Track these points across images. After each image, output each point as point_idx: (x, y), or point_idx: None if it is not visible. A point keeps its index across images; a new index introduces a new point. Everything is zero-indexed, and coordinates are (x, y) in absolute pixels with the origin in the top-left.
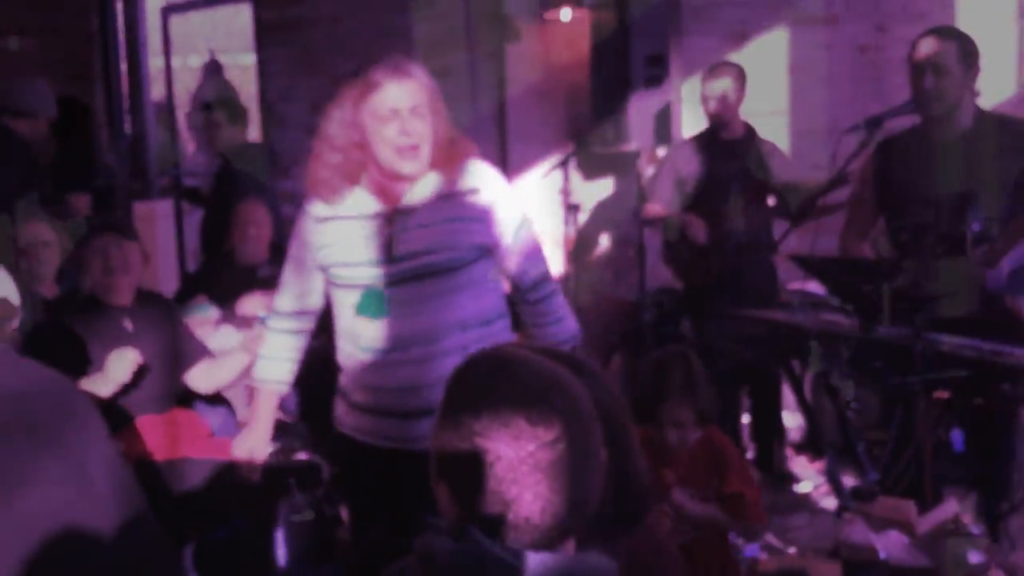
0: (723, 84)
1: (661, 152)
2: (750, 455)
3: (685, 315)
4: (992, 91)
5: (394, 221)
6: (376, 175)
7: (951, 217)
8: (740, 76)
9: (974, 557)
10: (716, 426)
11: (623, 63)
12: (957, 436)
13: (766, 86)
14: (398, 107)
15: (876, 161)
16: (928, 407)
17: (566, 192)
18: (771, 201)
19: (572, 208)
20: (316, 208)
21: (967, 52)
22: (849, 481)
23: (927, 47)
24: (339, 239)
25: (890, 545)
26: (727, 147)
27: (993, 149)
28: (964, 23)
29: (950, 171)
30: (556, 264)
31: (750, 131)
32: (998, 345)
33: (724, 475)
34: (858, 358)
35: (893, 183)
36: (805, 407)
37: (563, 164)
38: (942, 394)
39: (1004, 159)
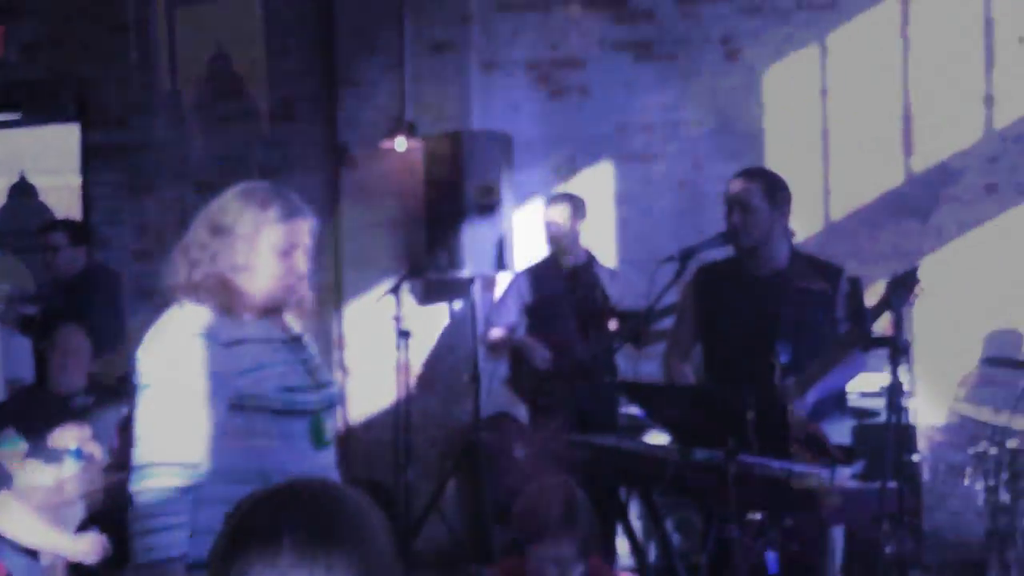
0: (561, 212)
1: (499, 278)
2: None
3: (521, 439)
4: (800, 227)
5: (295, 349)
6: (254, 301)
7: (760, 347)
8: (578, 205)
9: None
10: (598, 558)
11: (457, 193)
12: (771, 557)
13: (594, 217)
14: (300, 242)
15: (695, 286)
16: (742, 529)
17: (398, 319)
18: (612, 326)
19: (403, 334)
20: (215, 331)
21: (774, 191)
22: None
23: (735, 186)
24: (263, 363)
25: None
26: (568, 273)
27: (805, 287)
28: (772, 162)
29: (763, 303)
30: (390, 390)
31: (590, 257)
32: (805, 467)
33: None
34: (677, 482)
35: (708, 309)
36: (629, 532)
37: (395, 290)
38: (755, 515)
39: (813, 297)
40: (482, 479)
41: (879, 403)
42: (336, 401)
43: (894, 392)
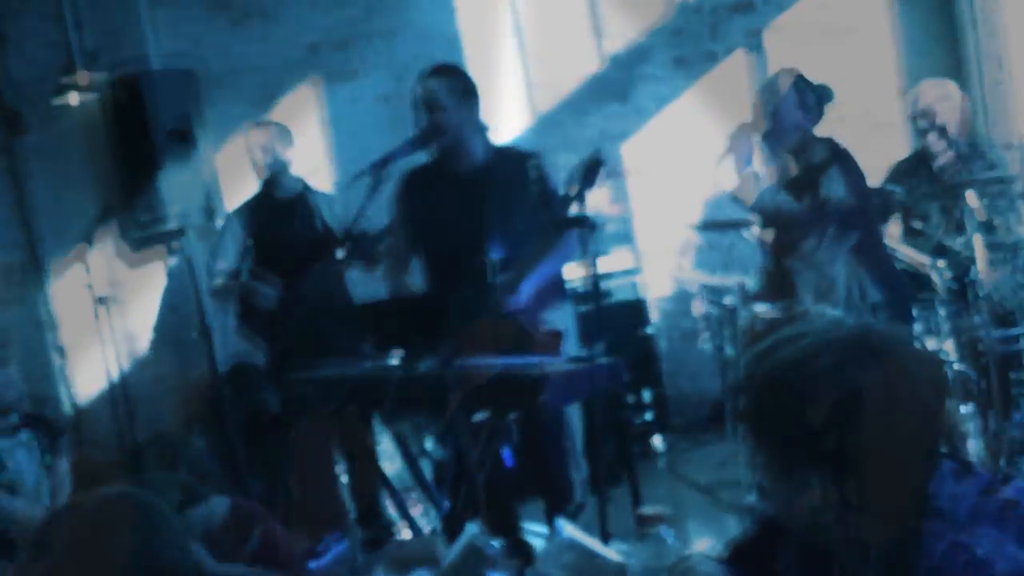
0: (262, 138)
1: (213, 224)
2: (353, 514)
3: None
4: (510, 123)
5: None
6: None
7: (470, 247)
8: (281, 131)
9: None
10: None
11: (146, 141)
12: (507, 453)
13: (302, 144)
14: None
15: (400, 196)
16: (472, 431)
17: (90, 286)
18: (339, 253)
19: (101, 301)
20: None
21: (462, 87)
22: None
23: (423, 86)
24: None
25: None
26: (285, 205)
27: (505, 180)
28: (472, 64)
29: (467, 202)
30: (105, 364)
31: (304, 186)
32: (519, 360)
33: None
34: (404, 396)
35: (416, 216)
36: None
37: (81, 257)
38: (481, 416)
39: (514, 189)
40: (230, 433)
41: (615, 283)
42: None
43: (592, 265)
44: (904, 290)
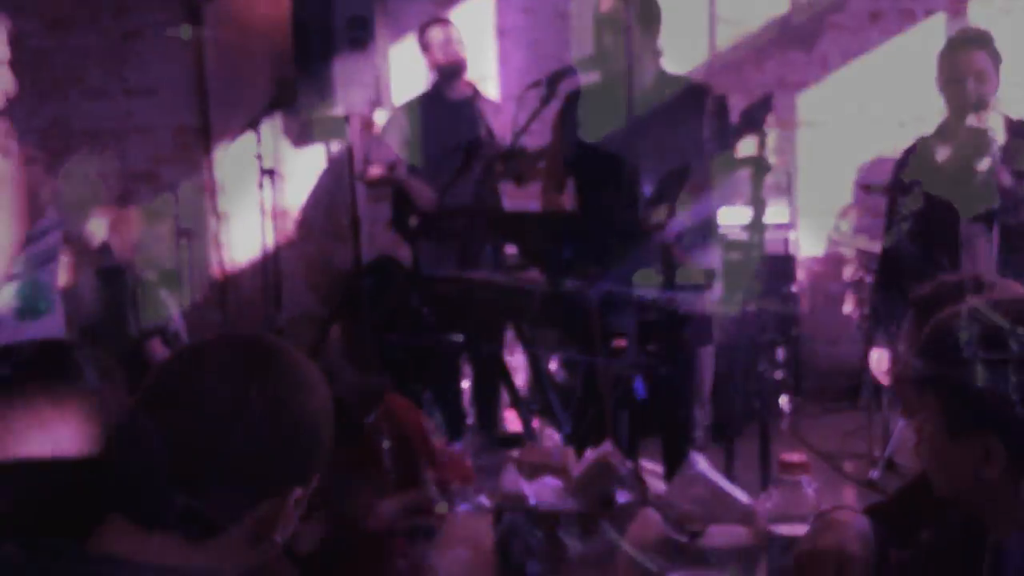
0: (447, 32)
1: (376, 116)
2: (471, 420)
3: (409, 283)
4: (686, 57)
5: None
6: None
7: (625, 175)
8: (458, 31)
9: (621, 496)
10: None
11: (326, 25)
12: (639, 384)
13: (474, 51)
14: None
15: (562, 115)
16: (609, 357)
17: (260, 157)
18: (500, 164)
19: (267, 173)
20: None
21: (646, 12)
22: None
23: (606, 5)
24: None
25: (541, 492)
26: (453, 108)
27: (673, 109)
28: None
29: (630, 128)
30: (259, 234)
31: (475, 91)
32: (666, 293)
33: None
34: (544, 312)
35: (577, 135)
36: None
37: (255, 126)
38: (620, 342)
39: (681, 120)
40: (365, 325)
41: (767, 236)
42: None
43: (758, 209)
44: None
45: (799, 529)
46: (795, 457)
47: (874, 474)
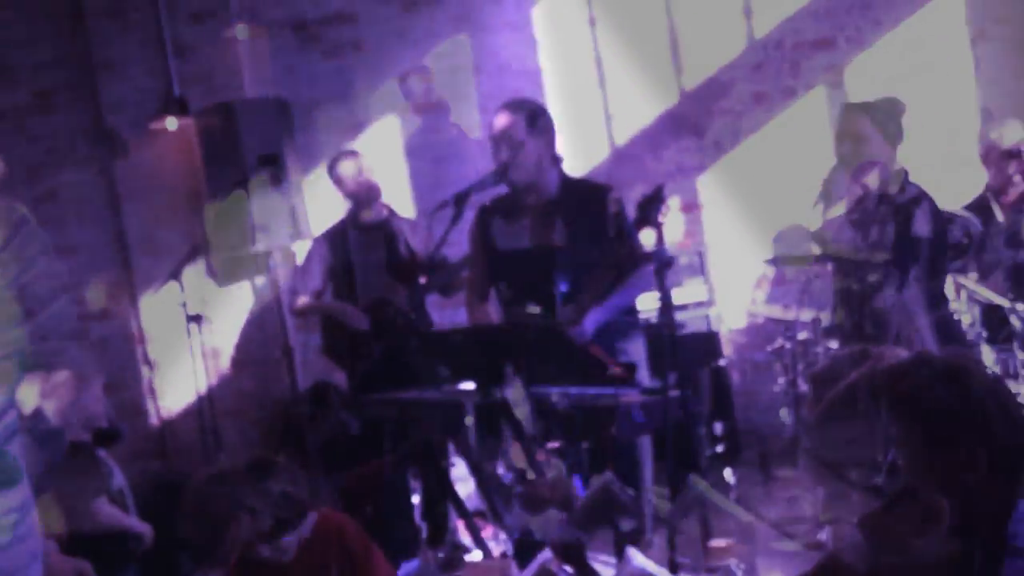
0: (351, 167)
1: (296, 248)
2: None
3: (346, 407)
4: (588, 155)
5: None
6: None
7: (541, 278)
8: (364, 160)
9: None
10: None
11: (237, 166)
12: (578, 482)
13: (387, 172)
14: None
15: (477, 228)
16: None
17: (185, 304)
18: (422, 279)
19: (194, 319)
20: None
21: (538, 121)
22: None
23: (499, 121)
24: None
25: None
26: (370, 230)
27: (578, 212)
28: (553, 98)
29: (539, 234)
30: (194, 378)
31: (390, 212)
32: (592, 389)
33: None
34: (479, 423)
35: (491, 248)
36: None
37: (176, 275)
38: (553, 445)
39: (587, 222)
40: (309, 452)
41: (688, 316)
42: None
43: (665, 299)
44: (961, 341)
45: None
46: (718, 543)
47: (821, 536)
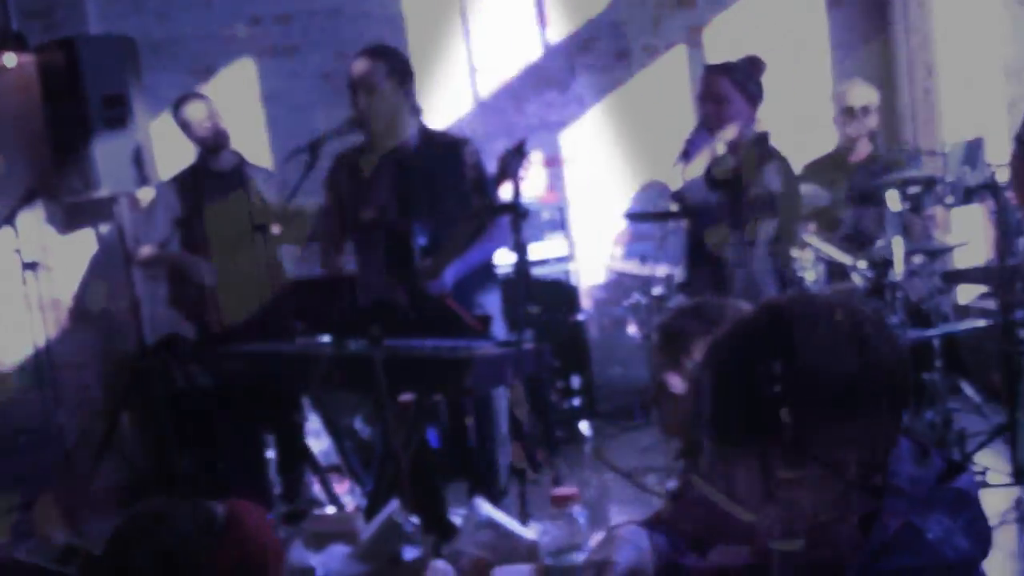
0: (197, 110)
1: (143, 194)
2: (277, 489)
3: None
4: (452, 107)
5: None
6: None
7: (400, 230)
8: (213, 104)
9: (409, 553)
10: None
11: (80, 106)
12: (432, 434)
13: (241, 117)
14: None
15: (332, 177)
16: (398, 411)
17: (19, 251)
18: (276, 230)
19: (29, 266)
20: None
21: (398, 70)
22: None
23: (358, 68)
24: None
25: (330, 560)
26: (220, 179)
27: (435, 164)
28: (415, 47)
29: (396, 185)
30: (29, 331)
31: (242, 159)
32: (446, 342)
33: None
34: (333, 376)
35: (347, 198)
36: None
37: (10, 220)
38: (407, 397)
39: (444, 174)
40: (157, 407)
41: (548, 270)
42: None
43: (520, 252)
44: None
45: (578, 558)
46: (564, 491)
47: (671, 485)
